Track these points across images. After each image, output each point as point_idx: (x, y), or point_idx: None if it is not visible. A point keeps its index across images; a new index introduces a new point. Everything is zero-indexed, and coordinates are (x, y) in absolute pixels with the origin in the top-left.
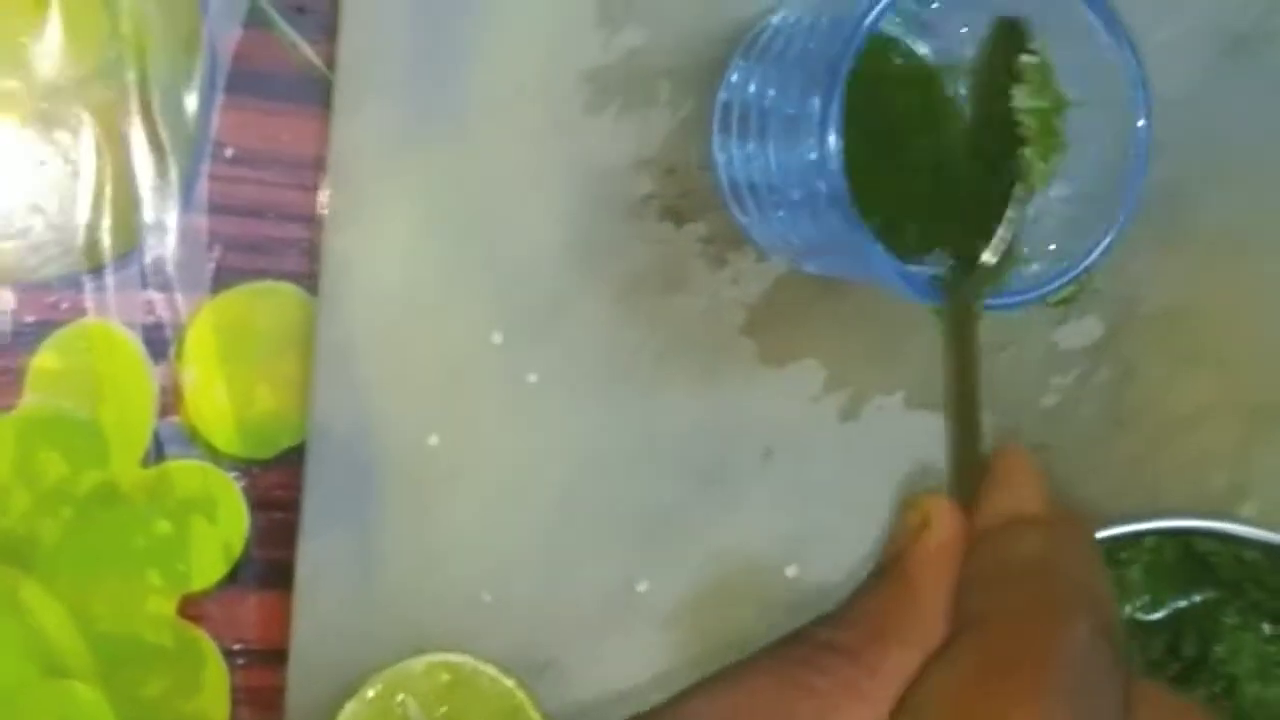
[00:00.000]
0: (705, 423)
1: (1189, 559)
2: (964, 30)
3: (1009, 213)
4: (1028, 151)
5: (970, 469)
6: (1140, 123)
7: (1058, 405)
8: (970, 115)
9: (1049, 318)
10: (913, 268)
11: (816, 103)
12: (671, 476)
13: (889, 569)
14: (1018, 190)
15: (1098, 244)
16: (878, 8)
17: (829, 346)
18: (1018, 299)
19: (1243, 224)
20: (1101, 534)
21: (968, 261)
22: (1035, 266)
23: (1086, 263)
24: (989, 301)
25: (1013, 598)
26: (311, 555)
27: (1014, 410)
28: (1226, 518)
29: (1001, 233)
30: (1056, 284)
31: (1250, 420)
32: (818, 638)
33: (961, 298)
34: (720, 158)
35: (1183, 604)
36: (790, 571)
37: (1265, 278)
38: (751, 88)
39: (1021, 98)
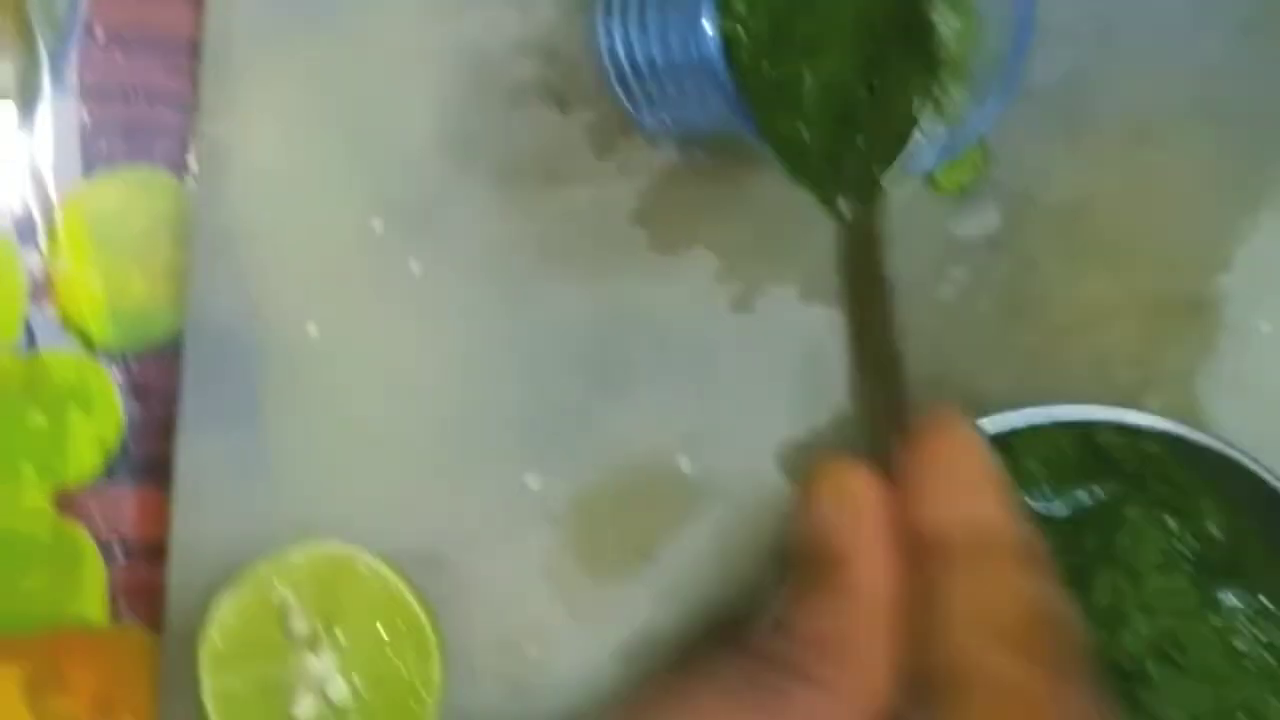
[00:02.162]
0: (595, 314)
1: (1089, 451)
2: None
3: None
4: (943, 76)
5: (888, 423)
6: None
7: (955, 297)
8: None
9: (945, 208)
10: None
11: None
12: (561, 369)
13: (821, 566)
14: (926, 118)
15: (982, 117)
16: None
17: (721, 237)
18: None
19: (1143, 115)
20: (1002, 421)
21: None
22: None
23: (969, 133)
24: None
25: (1009, 659)
26: (191, 449)
27: (910, 302)
28: (1130, 405)
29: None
30: (940, 156)
31: (1153, 315)
32: (765, 649)
33: (862, 219)
34: (604, 40)
35: (1083, 496)
36: (683, 465)
37: (1165, 169)
38: None
39: (945, 17)
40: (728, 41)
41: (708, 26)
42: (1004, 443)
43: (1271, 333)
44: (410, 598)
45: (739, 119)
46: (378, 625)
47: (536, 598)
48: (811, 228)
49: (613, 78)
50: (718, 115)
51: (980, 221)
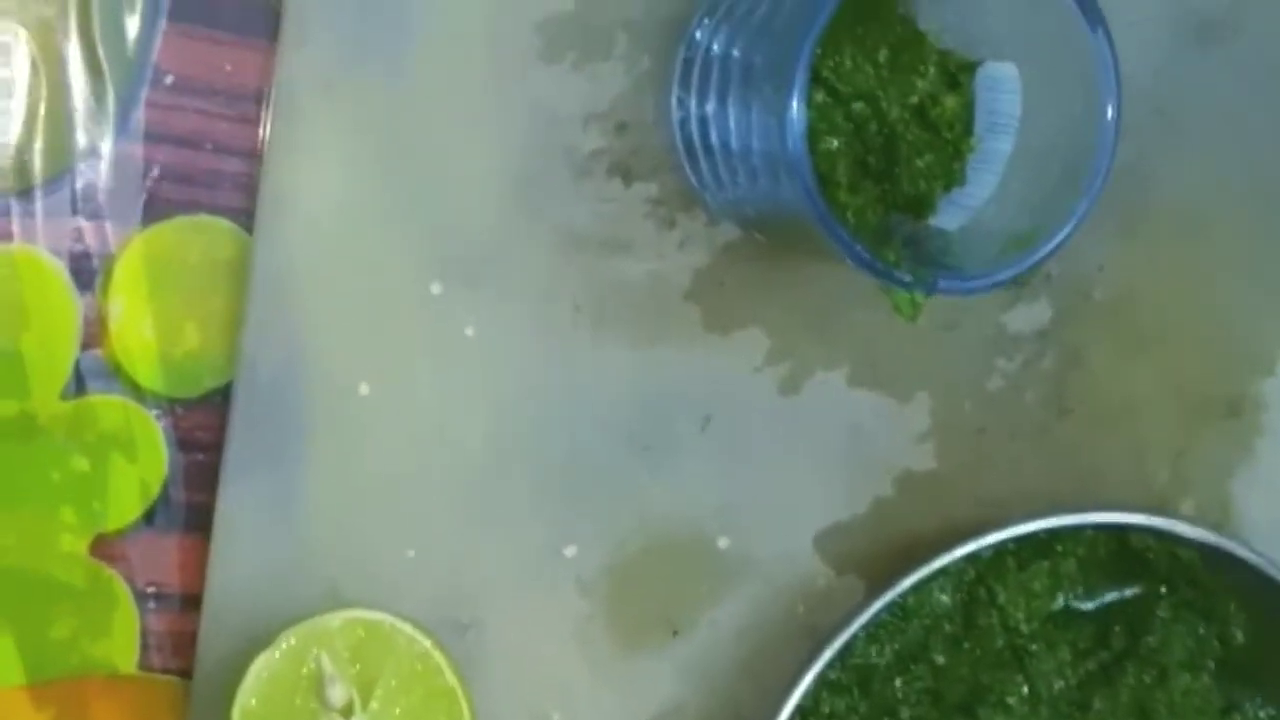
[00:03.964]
0: (643, 387)
1: (1124, 553)
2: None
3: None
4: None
5: None
6: (1109, 115)
7: (1001, 389)
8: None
9: (998, 299)
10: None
11: (783, 69)
12: (606, 439)
13: None
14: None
15: (1054, 235)
16: None
17: (774, 317)
18: (972, 285)
19: (1199, 212)
20: (1040, 524)
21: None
22: (991, 249)
23: (1042, 253)
24: (945, 285)
25: None
26: (232, 500)
27: (957, 391)
28: (1165, 513)
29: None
30: (1008, 274)
31: (1194, 414)
32: None
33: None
34: (677, 115)
35: (1114, 596)
36: (721, 543)
37: (1217, 267)
38: (716, 46)
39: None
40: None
41: (796, 122)
42: (1045, 544)
43: None
44: (446, 669)
45: (812, 211)
46: (413, 695)
47: (565, 665)
48: (863, 314)
49: (681, 153)
50: (787, 202)
51: (1032, 315)
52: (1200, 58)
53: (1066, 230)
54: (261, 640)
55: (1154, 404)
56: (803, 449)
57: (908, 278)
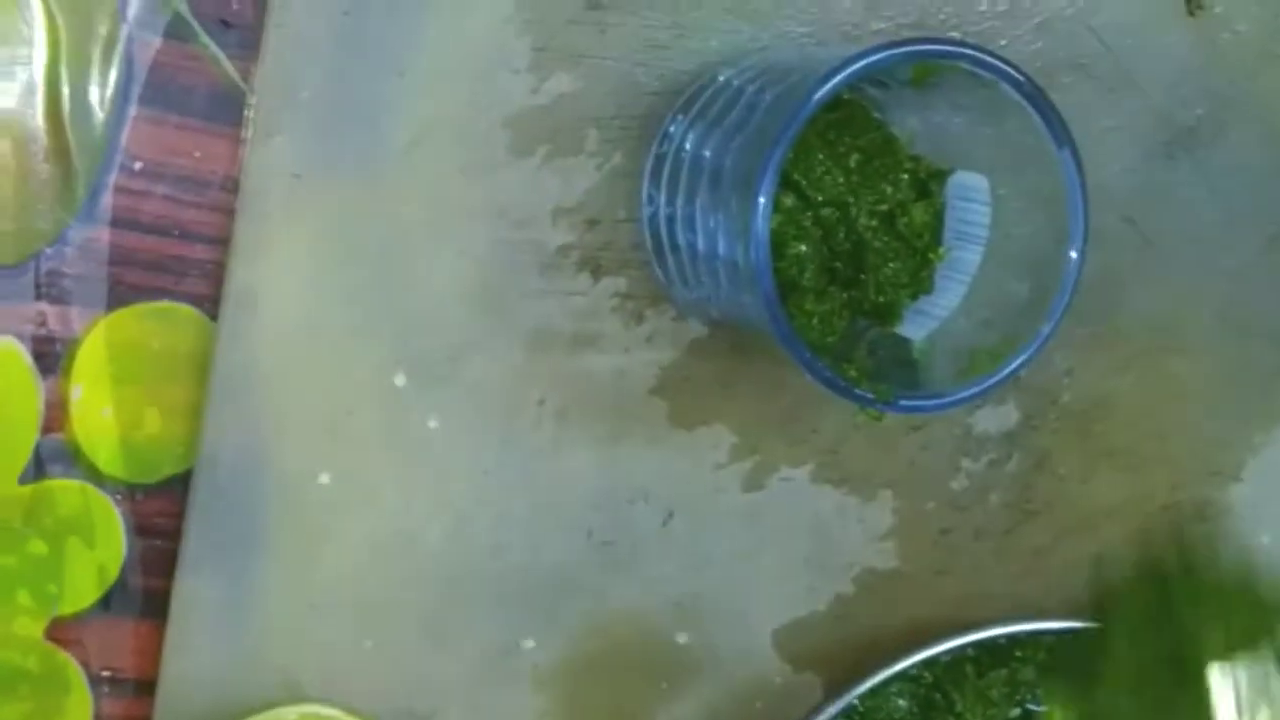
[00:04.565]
0: (606, 482)
1: (1083, 657)
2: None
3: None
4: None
5: None
6: (1076, 241)
7: (966, 489)
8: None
9: None
10: (825, 358)
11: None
12: (568, 533)
13: None
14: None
15: (1018, 356)
16: (819, 94)
17: (740, 413)
18: (933, 404)
19: (1167, 322)
20: (1000, 630)
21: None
22: (956, 361)
23: (1004, 374)
24: (906, 404)
25: None
26: (189, 587)
27: (921, 492)
28: None
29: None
30: (970, 394)
31: (1156, 519)
32: None
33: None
34: (647, 211)
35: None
36: (680, 639)
37: (1185, 376)
38: (688, 145)
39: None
40: (779, 240)
41: (761, 234)
42: (1004, 650)
43: (1271, 544)
44: None
45: (774, 326)
46: None
47: None
48: (829, 411)
49: (650, 250)
50: (750, 310)
51: (999, 417)
52: (1171, 167)
53: (1029, 353)
54: None
55: (1118, 508)
56: (765, 545)
57: (869, 396)
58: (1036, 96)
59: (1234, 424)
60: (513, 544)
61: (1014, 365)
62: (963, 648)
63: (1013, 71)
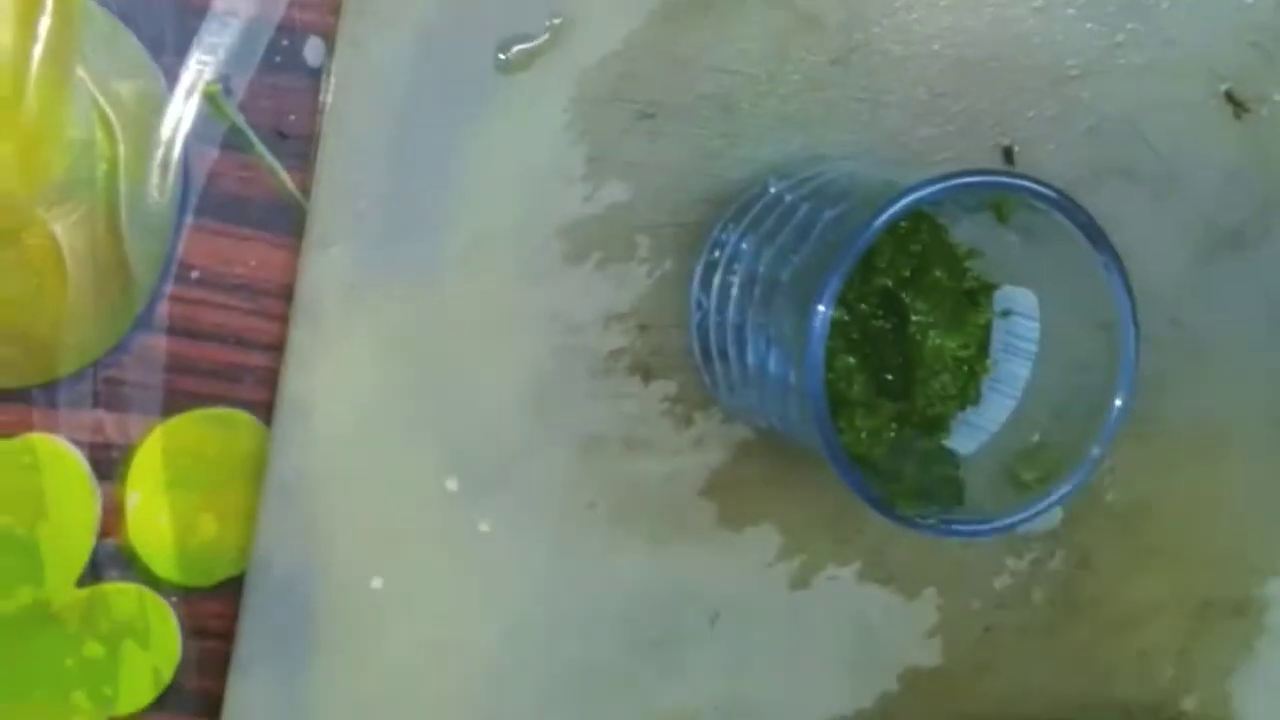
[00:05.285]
0: (655, 583)
1: None
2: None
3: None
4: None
5: None
6: (1119, 400)
7: (1010, 587)
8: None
9: None
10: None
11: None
12: (616, 635)
13: None
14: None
15: (1069, 480)
16: (876, 224)
17: (787, 513)
18: (985, 529)
19: (1212, 424)
20: None
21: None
22: (1004, 477)
23: (1055, 498)
24: (959, 529)
25: None
26: (242, 690)
27: (965, 590)
28: (1168, 714)
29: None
30: (1020, 518)
31: (1198, 617)
32: None
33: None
34: (695, 318)
35: None
36: None
37: (1228, 479)
38: (741, 255)
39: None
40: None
41: (815, 362)
42: None
43: None
44: None
45: (827, 452)
46: None
47: None
48: (874, 512)
49: (698, 355)
50: (798, 425)
51: (1043, 517)
52: (1218, 269)
53: (1078, 479)
54: None
55: (1160, 605)
56: (810, 643)
57: (927, 522)
58: (1089, 226)
59: (1276, 521)
60: (563, 644)
61: (1064, 490)
62: None
63: (1066, 202)
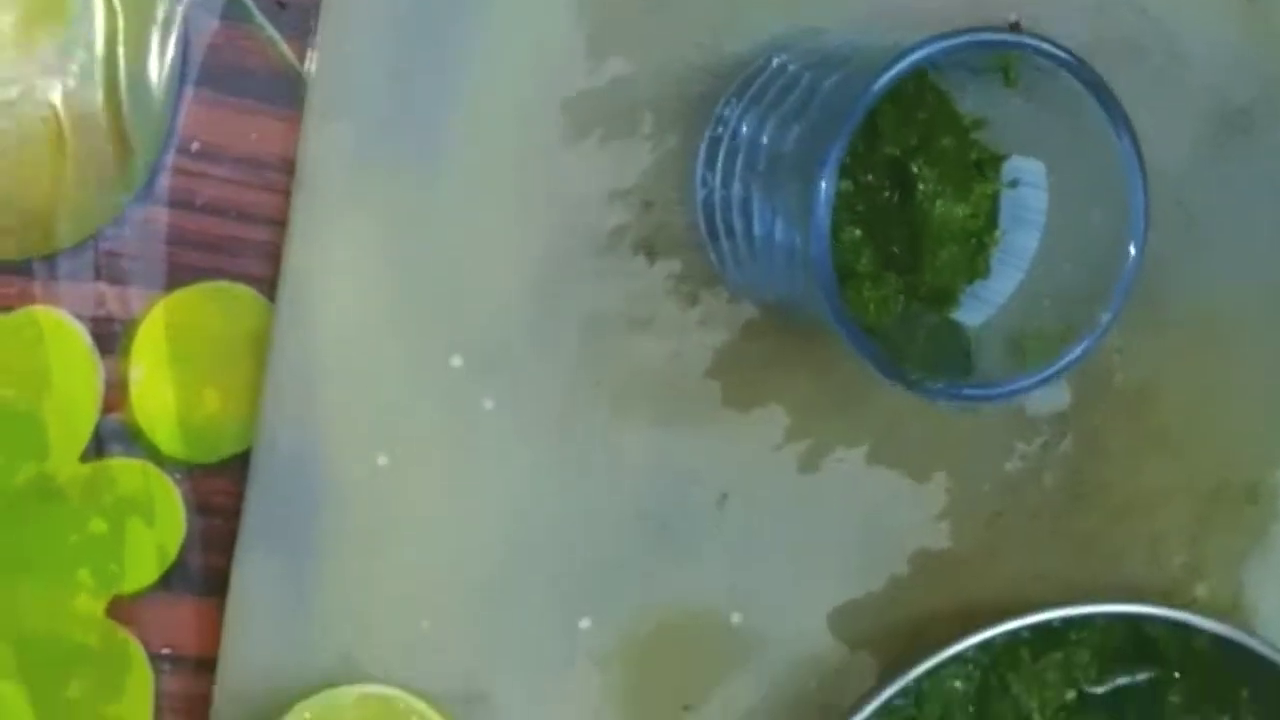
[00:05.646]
0: (661, 464)
1: (1138, 639)
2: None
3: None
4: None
5: None
6: (1138, 227)
7: (1020, 471)
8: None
9: None
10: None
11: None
12: (623, 515)
13: None
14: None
15: (1079, 344)
16: (878, 85)
17: (795, 394)
18: (996, 393)
19: (1221, 306)
20: (1054, 614)
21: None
22: (1014, 348)
23: (1065, 362)
24: (970, 393)
25: None
26: (247, 566)
27: (975, 473)
28: (1179, 600)
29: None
30: (1031, 383)
31: (1208, 502)
32: None
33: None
34: (700, 194)
35: (1127, 681)
36: (735, 619)
37: (1236, 362)
38: (745, 128)
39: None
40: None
41: (821, 224)
42: (1059, 632)
43: None
44: None
45: (833, 317)
46: None
47: None
48: (884, 393)
49: (704, 232)
50: (806, 296)
51: (1052, 399)
52: (1223, 150)
53: (1090, 341)
54: (274, 707)
55: (1171, 490)
56: (819, 526)
57: (936, 386)
58: (1099, 86)
59: None
60: (569, 526)
61: (1074, 354)
62: (1017, 631)
63: (1075, 61)
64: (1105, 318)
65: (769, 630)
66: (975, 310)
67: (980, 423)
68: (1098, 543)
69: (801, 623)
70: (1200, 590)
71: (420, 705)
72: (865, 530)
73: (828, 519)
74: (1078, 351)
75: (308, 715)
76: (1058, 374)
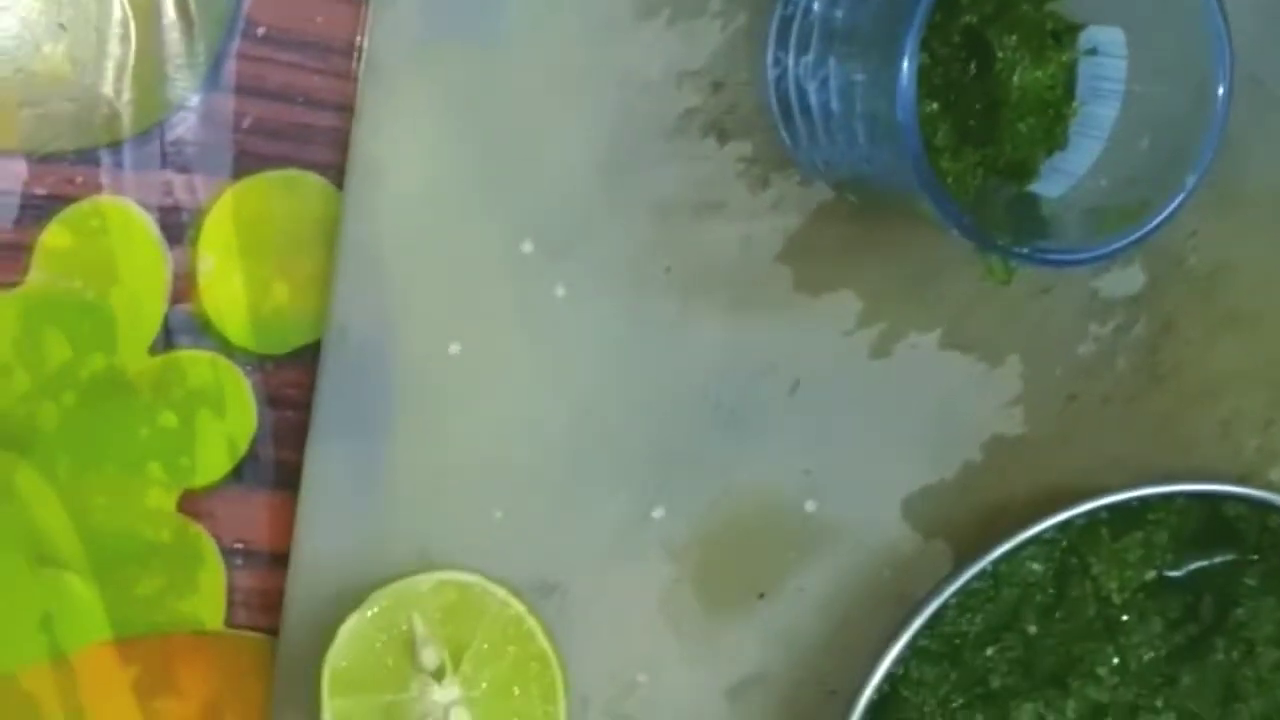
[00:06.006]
0: (733, 350)
1: (1215, 521)
2: None
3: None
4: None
5: None
6: (1220, 90)
7: (1093, 355)
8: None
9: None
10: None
11: (893, 35)
12: (695, 403)
13: None
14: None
15: (1162, 209)
16: None
17: (867, 279)
18: (1082, 257)
19: None
20: (1134, 493)
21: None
22: (1093, 218)
23: (1148, 227)
24: (1055, 258)
25: None
26: (320, 458)
27: (1049, 357)
28: (1256, 481)
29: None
30: (1116, 247)
31: None
32: None
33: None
34: (773, 74)
35: (1204, 564)
36: (809, 506)
37: None
38: (815, 4)
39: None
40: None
41: (907, 91)
42: (1137, 513)
43: None
44: (539, 633)
45: (920, 180)
46: (504, 659)
47: (652, 629)
48: (955, 276)
49: (776, 113)
50: (886, 167)
51: (1125, 280)
52: None
53: (1174, 205)
54: (348, 600)
55: (1245, 373)
56: (892, 413)
57: (1023, 251)
58: None
59: None
60: (641, 414)
61: (1158, 218)
62: (1096, 511)
63: None
64: (1190, 179)
65: (843, 518)
66: (1054, 183)
67: (1053, 307)
68: (1171, 427)
69: (876, 511)
70: (1274, 474)
71: (498, 590)
72: (939, 417)
73: (901, 406)
74: (1161, 217)
75: (385, 603)
76: (1140, 239)
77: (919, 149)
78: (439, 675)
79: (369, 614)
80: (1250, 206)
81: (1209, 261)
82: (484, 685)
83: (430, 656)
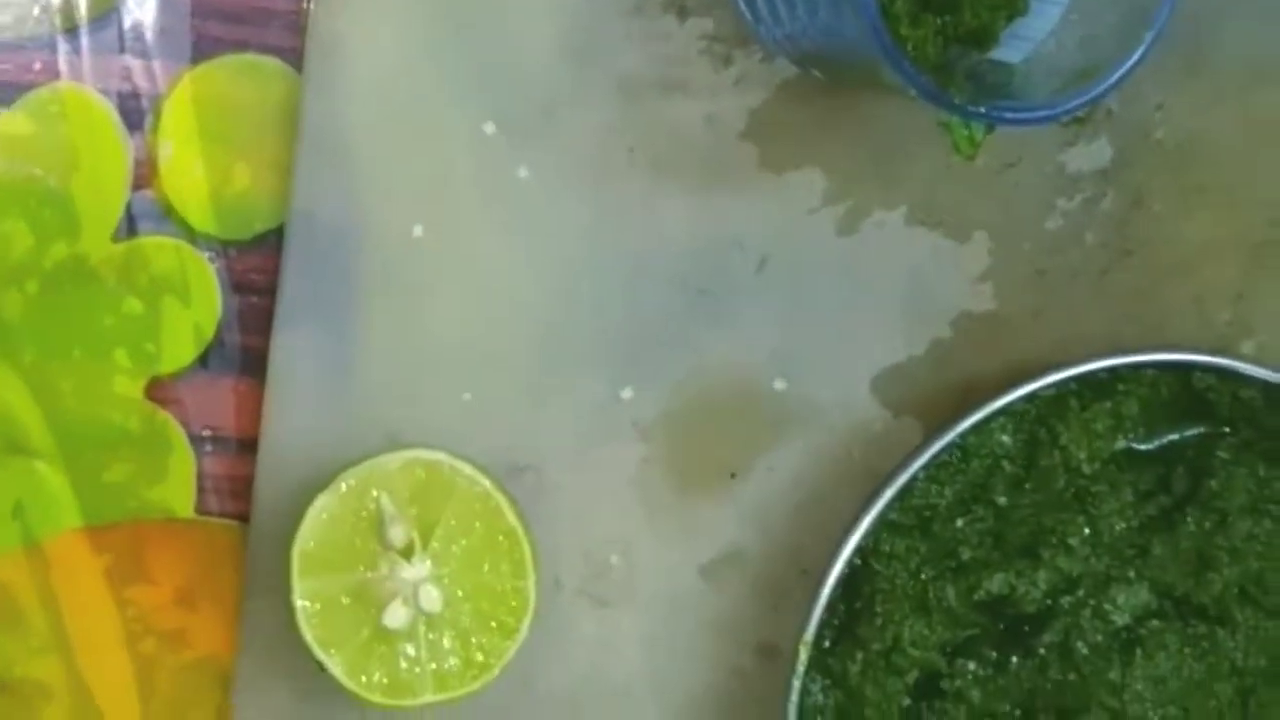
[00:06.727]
0: (699, 229)
1: (1186, 393)
2: None
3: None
4: None
5: None
6: None
7: (1062, 229)
8: None
9: (1058, 137)
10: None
11: None
12: (662, 283)
13: None
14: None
15: (1119, 66)
16: None
17: (831, 156)
18: (1040, 115)
19: (1261, 56)
20: (1102, 363)
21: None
22: (1054, 82)
23: (1106, 84)
24: (1012, 116)
25: None
26: (287, 343)
27: (1017, 232)
28: (1228, 353)
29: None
30: (1074, 104)
31: (1254, 257)
32: None
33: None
34: None
35: (1175, 437)
36: (778, 385)
37: (1277, 113)
38: None
39: None
40: None
41: None
42: (1107, 384)
43: None
44: (507, 509)
45: (878, 46)
46: (473, 536)
47: (623, 509)
48: (921, 152)
49: None
50: (848, 37)
51: (1092, 154)
52: None
53: (1131, 61)
54: (318, 483)
55: (1215, 246)
56: (860, 290)
57: (980, 110)
58: None
59: None
60: (608, 294)
61: (1116, 75)
62: (1066, 382)
63: None
64: (1147, 37)
65: (813, 396)
66: (1014, 49)
67: (1020, 181)
68: (1142, 301)
69: (845, 388)
70: (1247, 347)
71: (465, 467)
72: (907, 293)
73: (869, 283)
74: (1118, 74)
75: (352, 483)
76: (1098, 97)
77: (875, 12)
78: (408, 553)
79: (336, 494)
80: (1219, 78)
81: (1178, 134)
82: (453, 562)
83: (399, 534)
